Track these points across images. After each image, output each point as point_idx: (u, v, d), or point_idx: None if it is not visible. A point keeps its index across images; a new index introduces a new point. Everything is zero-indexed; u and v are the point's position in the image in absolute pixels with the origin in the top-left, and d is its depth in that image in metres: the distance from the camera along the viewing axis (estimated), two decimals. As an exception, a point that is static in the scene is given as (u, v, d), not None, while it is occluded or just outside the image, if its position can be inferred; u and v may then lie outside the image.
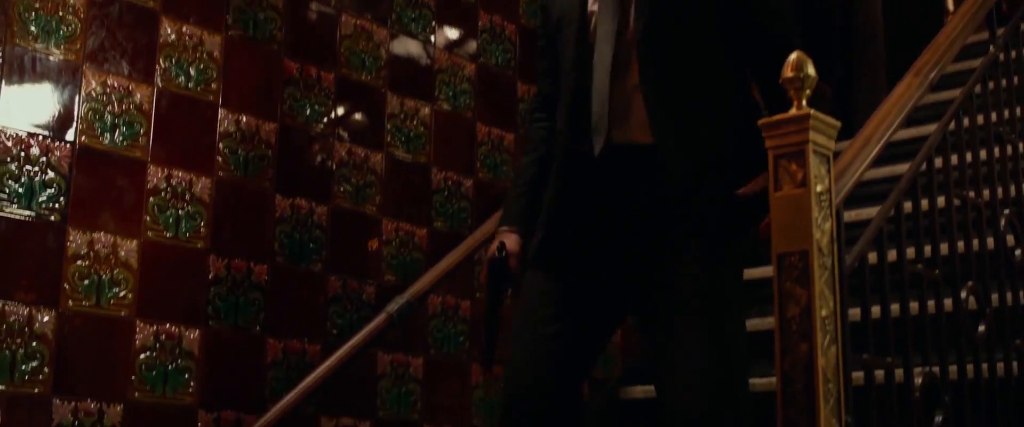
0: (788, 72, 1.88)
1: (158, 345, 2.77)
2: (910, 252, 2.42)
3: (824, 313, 1.85)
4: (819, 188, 1.90)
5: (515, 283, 2.27)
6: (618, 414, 3.55)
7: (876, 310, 2.28)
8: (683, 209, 2.10)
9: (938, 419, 2.27)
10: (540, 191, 2.29)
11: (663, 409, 2.10)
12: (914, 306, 2.38)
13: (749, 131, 2.09)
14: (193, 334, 2.84)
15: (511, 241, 2.27)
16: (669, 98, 2.13)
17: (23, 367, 2.55)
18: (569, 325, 2.16)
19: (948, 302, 2.51)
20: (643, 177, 2.12)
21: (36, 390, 2.56)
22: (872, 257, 2.29)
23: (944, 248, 2.58)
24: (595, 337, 2.24)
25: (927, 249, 2.49)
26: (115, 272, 2.73)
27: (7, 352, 2.53)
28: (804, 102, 1.88)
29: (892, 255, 2.36)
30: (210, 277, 2.90)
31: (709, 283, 2.11)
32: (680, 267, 2.08)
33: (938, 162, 2.58)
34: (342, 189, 3.22)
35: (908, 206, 2.43)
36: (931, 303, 2.43)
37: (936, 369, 2.35)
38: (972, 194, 2.67)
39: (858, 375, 2.12)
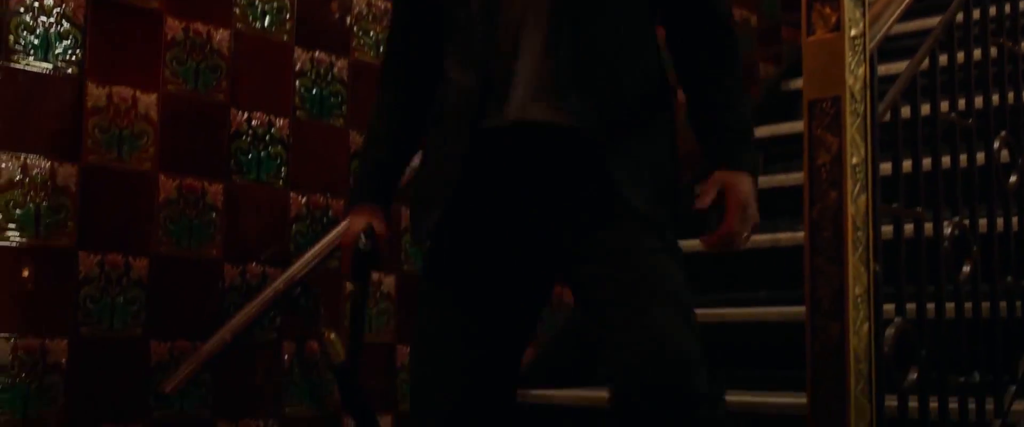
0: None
1: (181, 199, 2.77)
2: (943, 106, 2.37)
3: (855, 161, 1.82)
4: (853, 32, 1.85)
5: (380, 267, 2.04)
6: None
7: (907, 164, 2.24)
8: (613, 198, 1.81)
9: (966, 269, 2.25)
10: (402, 161, 2.02)
11: (615, 381, 1.78)
12: (946, 160, 2.34)
13: (666, 100, 1.90)
14: (216, 188, 2.84)
15: (377, 222, 1.96)
16: (591, 67, 1.82)
17: (47, 220, 2.55)
18: (487, 346, 1.88)
19: (980, 156, 2.47)
20: (566, 161, 1.82)
21: (62, 243, 2.57)
22: (905, 111, 2.24)
23: (978, 102, 2.52)
24: (519, 337, 1.95)
25: (961, 102, 2.44)
26: (136, 126, 2.70)
27: (31, 205, 2.53)
28: (840, -58, 1.82)
29: (925, 109, 2.30)
30: (231, 131, 2.88)
31: (657, 273, 1.79)
32: (620, 256, 1.79)
33: (975, 14, 2.50)
34: (362, 42, 3.17)
35: (944, 59, 2.37)
36: (963, 157, 2.39)
37: (966, 221, 2.32)
38: (1010, 43, 2.59)
39: (887, 229, 2.10)
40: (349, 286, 2.05)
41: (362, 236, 1.93)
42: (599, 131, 1.79)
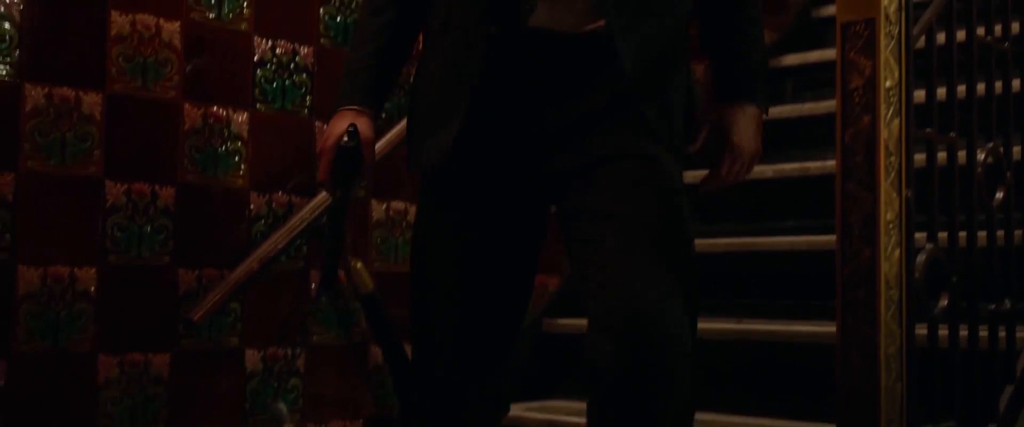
0: None
1: (207, 127, 2.76)
2: (979, 32, 2.32)
3: (888, 84, 1.78)
4: (889, -49, 1.81)
5: (362, 176, 1.83)
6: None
7: (942, 92, 2.21)
8: (639, 123, 1.69)
9: (999, 196, 2.22)
10: (395, 64, 1.86)
11: (593, 354, 1.62)
12: (981, 87, 2.30)
13: (687, 30, 1.80)
14: (241, 117, 2.83)
15: (363, 124, 1.79)
16: None
17: (73, 149, 2.55)
18: (495, 281, 1.77)
19: (1016, 82, 2.42)
20: (586, 74, 1.69)
21: (89, 172, 2.58)
22: (940, 38, 2.19)
23: (1015, 28, 2.48)
24: (526, 275, 1.84)
25: (997, 29, 2.39)
26: (159, 54, 2.69)
27: (57, 133, 2.53)
28: None
29: (961, 36, 2.26)
30: (255, 59, 2.86)
31: (668, 218, 1.68)
32: (619, 192, 1.67)
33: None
34: (387, -30, 3.13)
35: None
36: (999, 84, 2.35)
37: (1000, 148, 2.29)
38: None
39: (920, 158, 2.07)
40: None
41: (345, 136, 1.75)
42: (630, 46, 1.67)
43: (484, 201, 1.76)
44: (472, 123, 1.69)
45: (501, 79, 1.69)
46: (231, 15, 2.82)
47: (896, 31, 1.81)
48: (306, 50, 2.95)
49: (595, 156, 1.68)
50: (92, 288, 2.56)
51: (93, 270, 2.57)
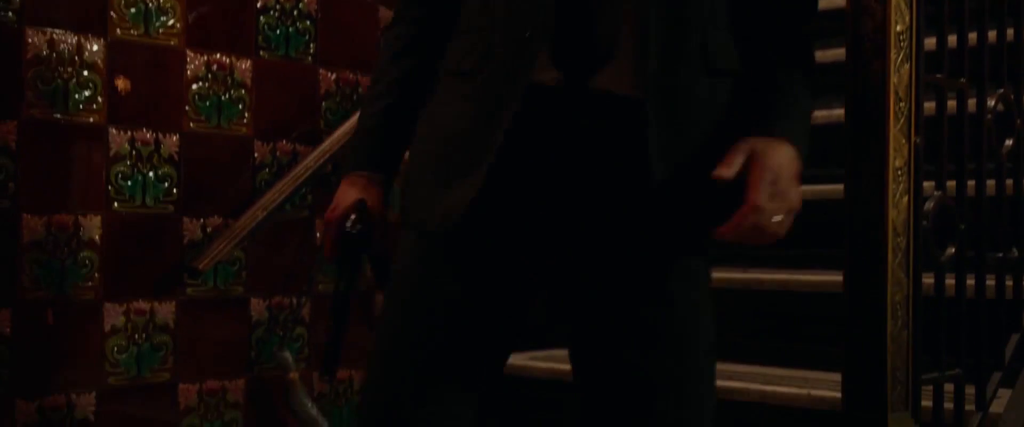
0: None
1: (210, 75, 2.74)
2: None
3: (899, 29, 1.76)
4: None
5: (372, 253, 1.59)
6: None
7: (952, 39, 2.18)
8: (674, 218, 1.46)
9: (1008, 143, 2.20)
10: (412, 118, 1.57)
11: None
12: (992, 34, 2.27)
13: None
14: (244, 64, 2.81)
15: (372, 197, 1.57)
16: (682, 36, 1.45)
17: (76, 96, 2.54)
18: (481, 353, 1.53)
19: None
20: (623, 144, 1.44)
21: (91, 119, 2.56)
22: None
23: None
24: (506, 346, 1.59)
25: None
26: (162, 1, 2.66)
27: (59, 81, 2.51)
28: None
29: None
30: (259, 5, 2.83)
31: (695, 344, 1.51)
32: (657, 310, 1.49)
33: None
34: (391, -85, 3.10)
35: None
36: (1010, 30, 2.32)
37: (1011, 95, 2.26)
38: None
39: (929, 106, 2.05)
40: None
41: (351, 215, 1.53)
42: (662, 139, 1.43)
43: (496, 267, 1.51)
44: (493, 182, 1.44)
45: (529, 136, 1.45)
46: (234, -39, 2.79)
47: (908, -25, 1.78)
48: (310, -4, 2.93)
49: (624, 273, 1.49)
50: (97, 236, 2.56)
51: (98, 218, 2.57)
